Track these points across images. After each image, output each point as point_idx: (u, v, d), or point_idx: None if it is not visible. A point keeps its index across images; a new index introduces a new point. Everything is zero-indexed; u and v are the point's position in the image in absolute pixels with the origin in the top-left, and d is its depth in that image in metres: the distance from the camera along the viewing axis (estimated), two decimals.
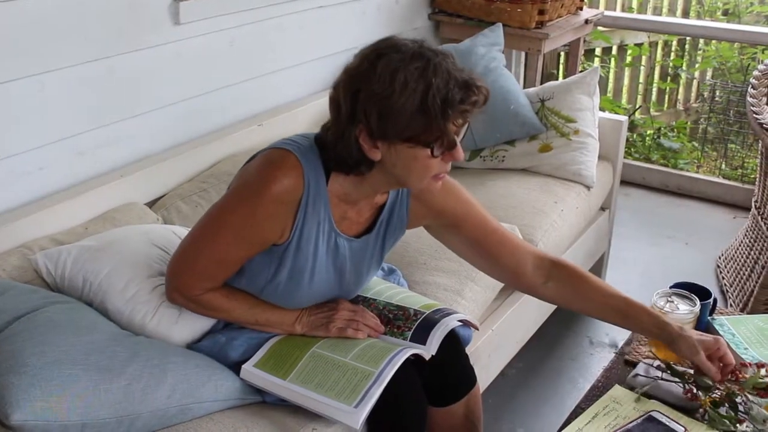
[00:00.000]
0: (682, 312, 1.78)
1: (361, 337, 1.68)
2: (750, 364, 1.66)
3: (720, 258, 3.30)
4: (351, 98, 1.45)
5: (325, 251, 1.64)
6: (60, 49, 2.01)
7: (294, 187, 1.53)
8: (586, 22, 3.51)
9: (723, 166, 4.32)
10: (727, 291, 3.06)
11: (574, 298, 1.75)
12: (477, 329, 1.91)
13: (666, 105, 5.00)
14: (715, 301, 1.93)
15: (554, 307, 2.67)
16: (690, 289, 1.86)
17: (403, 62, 1.41)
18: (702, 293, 1.87)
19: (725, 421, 1.55)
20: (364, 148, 1.48)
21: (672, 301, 1.80)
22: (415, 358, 1.66)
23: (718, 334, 1.88)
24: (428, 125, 1.42)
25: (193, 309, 1.68)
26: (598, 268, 3.04)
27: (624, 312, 1.69)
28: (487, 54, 2.85)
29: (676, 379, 1.65)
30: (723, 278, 3.15)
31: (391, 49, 1.44)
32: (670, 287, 1.88)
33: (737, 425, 1.54)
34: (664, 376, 1.67)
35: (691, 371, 1.66)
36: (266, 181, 1.52)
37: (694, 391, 1.61)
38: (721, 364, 1.61)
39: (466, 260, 1.84)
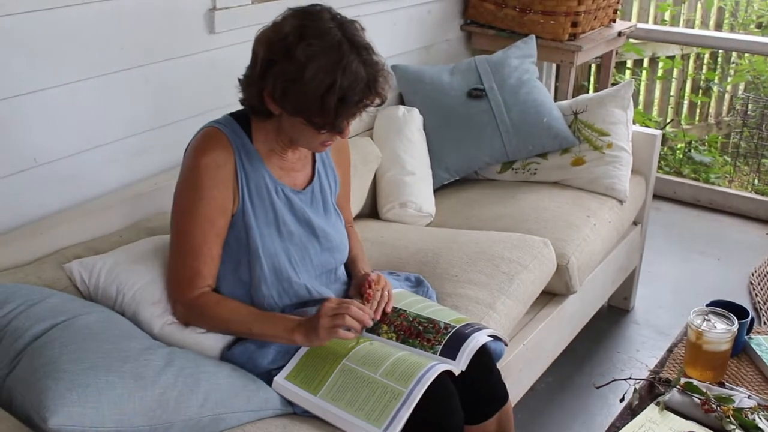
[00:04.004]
0: (720, 331, 1.76)
1: (350, 337, 1.63)
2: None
3: (753, 275, 3.25)
4: (266, 63, 1.59)
5: (282, 205, 1.75)
6: (95, 58, 2.02)
7: (223, 151, 1.67)
8: (619, 34, 3.48)
9: (756, 181, 4.27)
10: (760, 308, 3.01)
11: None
12: (506, 345, 1.90)
13: (697, 118, 4.96)
14: (752, 320, 1.90)
15: (585, 321, 2.66)
16: (726, 307, 1.84)
17: (320, 53, 1.53)
18: (738, 311, 1.85)
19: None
20: (266, 101, 1.62)
21: (709, 320, 1.78)
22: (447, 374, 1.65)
23: (756, 354, 1.86)
24: (321, 114, 1.56)
25: (194, 319, 1.71)
26: (629, 283, 3.01)
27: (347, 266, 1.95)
28: (520, 66, 2.84)
29: (700, 396, 1.64)
30: (756, 295, 3.10)
31: (315, 32, 1.55)
32: (707, 305, 1.86)
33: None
34: (694, 395, 1.65)
35: (713, 389, 1.69)
36: (196, 157, 1.66)
37: (711, 404, 1.62)
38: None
39: None
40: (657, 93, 4.88)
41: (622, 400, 1.77)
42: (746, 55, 4.74)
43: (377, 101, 1.62)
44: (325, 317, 1.61)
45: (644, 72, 4.79)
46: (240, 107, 1.75)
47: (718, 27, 4.97)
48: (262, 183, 1.72)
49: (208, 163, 1.65)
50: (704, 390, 1.66)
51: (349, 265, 1.96)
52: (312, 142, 1.68)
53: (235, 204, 1.70)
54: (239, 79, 1.70)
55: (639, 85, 4.76)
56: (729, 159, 4.62)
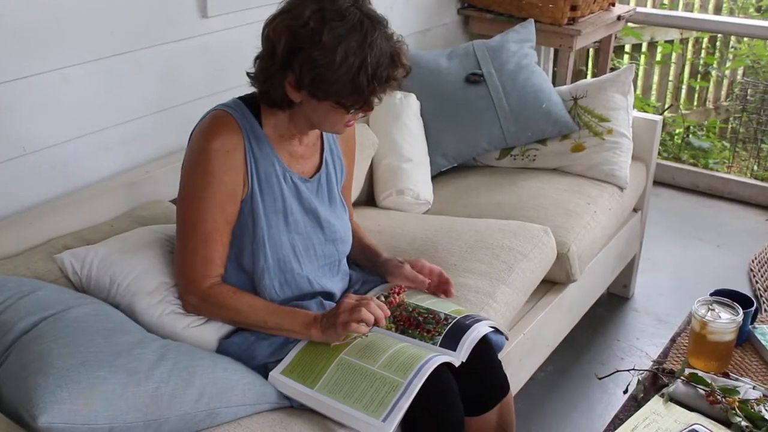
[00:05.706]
0: (724, 321, 1.73)
1: (363, 331, 1.60)
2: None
3: (753, 261, 3.22)
4: (289, 51, 1.53)
5: (290, 193, 1.70)
6: (85, 43, 1.98)
7: (233, 134, 1.62)
8: (619, 18, 3.44)
9: (755, 167, 4.24)
10: (761, 296, 2.99)
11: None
12: (507, 338, 1.87)
13: (696, 103, 4.92)
14: (756, 309, 1.87)
15: (585, 310, 2.63)
16: (729, 296, 1.81)
17: (346, 34, 1.50)
18: (742, 300, 1.82)
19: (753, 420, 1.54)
20: (288, 91, 1.58)
21: (713, 309, 1.75)
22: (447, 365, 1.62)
23: (760, 344, 1.83)
24: (354, 94, 1.54)
25: (208, 310, 1.67)
26: (629, 270, 2.98)
27: (361, 256, 1.94)
28: (519, 50, 2.79)
29: (705, 387, 1.62)
30: (756, 282, 3.08)
31: (336, 14, 1.51)
32: (710, 294, 1.83)
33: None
34: (699, 387, 1.63)
35: (718, 380, 1.66)
36: (205, 141, 1.61)
37: (716, 395, 1.59)
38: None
39: None
40: (655, 78, 4.84)
41: (625, 391, 1.74)
42: (745, 39, 4.70)
43: (402, 73, 1.59)
44: (344, 313, 1.59)
45: (643, 57, 4.75)
46: (244, 92, 1.70)
47: (718, 11, 4.92)
48: (272, 169, 1.68)
49: (218, 147, 1.60)
50: (709, 381, 1.63)
51: (370, 253, 1.93)
52: (337, 124, 1.65)
53: (245, 190, 1.65)
54: (249, 74, 1.64)
55: (637, 70, 4.71)
56: (728, 144, 4.59)
